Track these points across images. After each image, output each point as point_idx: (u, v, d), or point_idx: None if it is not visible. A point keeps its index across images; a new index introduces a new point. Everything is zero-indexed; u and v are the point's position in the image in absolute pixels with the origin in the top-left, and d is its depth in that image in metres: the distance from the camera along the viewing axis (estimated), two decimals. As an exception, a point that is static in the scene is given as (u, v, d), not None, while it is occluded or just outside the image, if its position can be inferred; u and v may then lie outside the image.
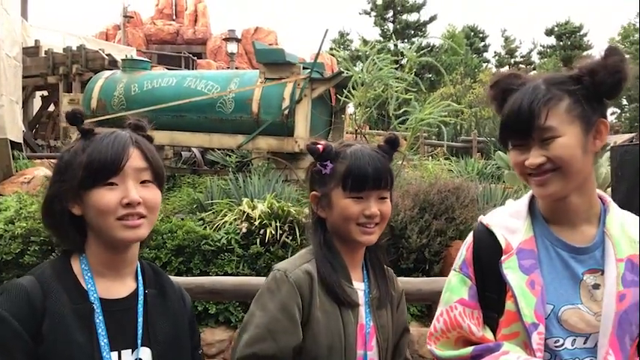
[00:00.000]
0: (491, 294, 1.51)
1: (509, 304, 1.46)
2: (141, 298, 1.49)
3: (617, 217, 1.51)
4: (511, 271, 1.47)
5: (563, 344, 1.44)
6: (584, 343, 1.44)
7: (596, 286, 1.45)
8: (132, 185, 1.43)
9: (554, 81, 1.48)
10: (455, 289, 1.58)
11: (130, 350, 1.44)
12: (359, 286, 1.74)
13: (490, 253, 1.52)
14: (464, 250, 1.61)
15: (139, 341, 1.45)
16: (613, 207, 1.53)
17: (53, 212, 1.45)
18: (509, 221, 1.56)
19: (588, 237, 1.49)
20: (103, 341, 1.39)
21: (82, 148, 1.44)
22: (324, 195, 1.72)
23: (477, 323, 1.51)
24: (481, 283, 1.54)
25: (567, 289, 1.46)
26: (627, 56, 1.44)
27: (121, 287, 1.48)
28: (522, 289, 1.45)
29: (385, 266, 1.83)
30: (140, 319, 1.47)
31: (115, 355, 1.41)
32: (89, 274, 1.44)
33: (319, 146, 1.72)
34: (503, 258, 1.50)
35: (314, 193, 1.76)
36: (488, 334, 1.49)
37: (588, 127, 1.45)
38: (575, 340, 1.44)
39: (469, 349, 1.49)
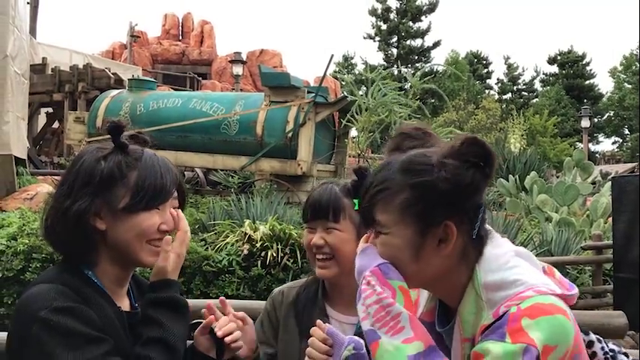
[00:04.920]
0: None
1: None
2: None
3: (472, 296, 1.28)
4: None
5: None
6: None
7: None
8: (169, 211, 1.40)
9: (408, 166, 1.23)
10: None
11: None
12: (343, 319, 1.65)
13: None
14: None
15: None
16: (470, 286, 1.28)
17: (76, 225, 1.32)
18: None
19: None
20: None
21: (124, 165, 1.35)
22: None
23: None
24: None
25: None
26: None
27: (124, 303, 1.44)
28: None
29: None
30: None
31: None
32: (103, 288, 1.38)
33: None
34: None
35: None
36: None
37: (425, 230, 1.21)
38: None
39: None
